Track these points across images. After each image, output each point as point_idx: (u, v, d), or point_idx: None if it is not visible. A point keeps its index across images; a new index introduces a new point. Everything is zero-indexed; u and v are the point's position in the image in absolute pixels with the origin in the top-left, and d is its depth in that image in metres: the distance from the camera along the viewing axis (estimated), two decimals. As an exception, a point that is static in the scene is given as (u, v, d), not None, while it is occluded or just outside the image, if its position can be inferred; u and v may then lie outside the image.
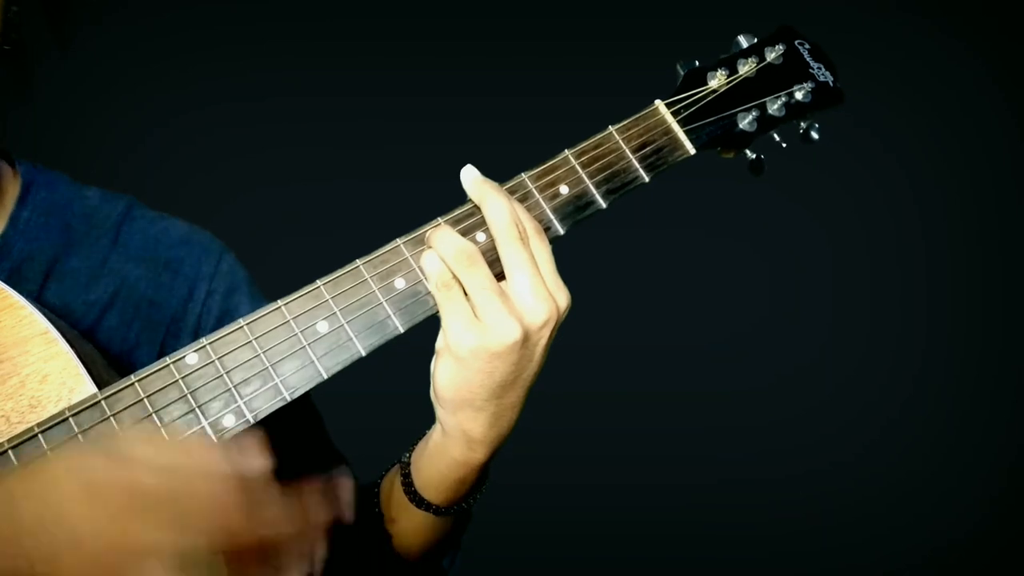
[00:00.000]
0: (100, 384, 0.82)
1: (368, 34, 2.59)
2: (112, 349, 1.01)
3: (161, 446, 0.64)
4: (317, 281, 0.89)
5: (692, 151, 1.03)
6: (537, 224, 0.93)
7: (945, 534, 2.55)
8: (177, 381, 0.83)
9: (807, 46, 1.12)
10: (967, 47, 2.62)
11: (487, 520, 1.16)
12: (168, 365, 0.83)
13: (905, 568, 2.57)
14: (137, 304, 1.06)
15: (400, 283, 0.90)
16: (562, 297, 0.91)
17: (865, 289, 2.68)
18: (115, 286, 1.05)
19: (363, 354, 0.88)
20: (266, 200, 2.43)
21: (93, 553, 0.56)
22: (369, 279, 0.90)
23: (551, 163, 0.98)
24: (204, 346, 0.85)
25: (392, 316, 0.89)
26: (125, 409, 0.80)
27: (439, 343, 0.91)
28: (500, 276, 0.90)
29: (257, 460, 0.63)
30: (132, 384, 0.82)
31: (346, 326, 0.88)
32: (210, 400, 0.83)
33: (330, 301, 0.88)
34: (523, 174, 0.97)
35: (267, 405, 0.85)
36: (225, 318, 1.08)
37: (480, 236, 0.93)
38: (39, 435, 0.77)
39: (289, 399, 0.85)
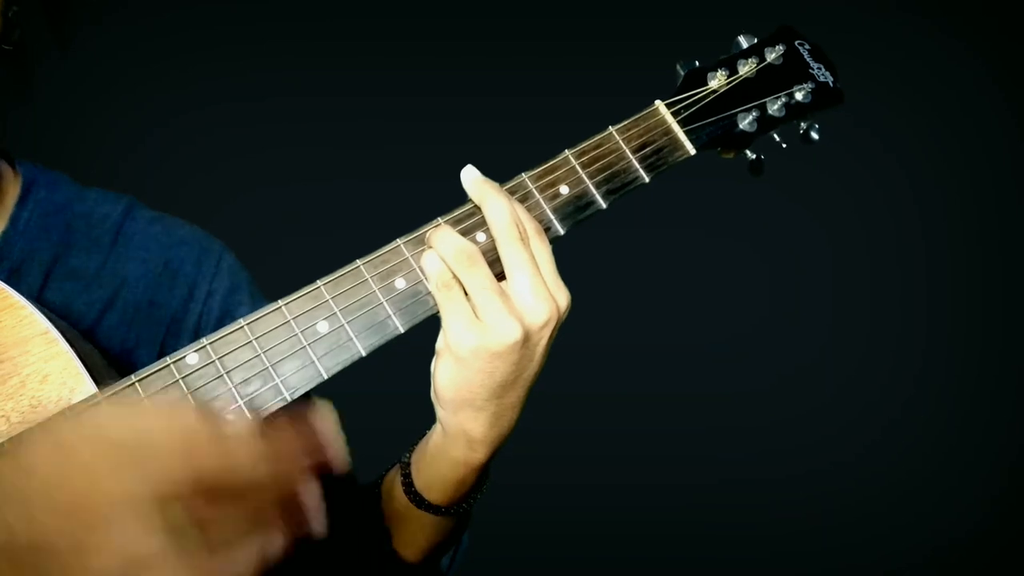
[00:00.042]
0: (100, 384, 0.82)
1: (368, 34, 2.59)
2: (112, 349, 1.01)
3: (131, 403, 0.63)
4: (317, 281, 0.89)
5: (692, 151, 1.04)
6: (537, 224, 0.93)
7: (945, 534, 2.55)
8: (177, 381, 0.83)
9: (807, 46, 1.12)
10: (967, 47, 2.62)
11: (487, 520, 1.16)
12: (168, 365, 0.83)
13: (905, 568, 2.57)
14: (137, 304, 1.06)
15: (400, 283, 0.90)
16: (562, 297, 0.91)
17: (865, 289, 2.68)
18: (115, 286, 1.05)
19: (363, 354, 0.88)
20: (266, 200, 2.43)
21: (67, 508, 0.56)
22: (369, 279, 0.90)
23: (551, 163, 0.98)
24: (204, 346, 0.85)
25: (392, 316, 0.89)
26: (125, 409, 0.80)
27: (439, 343, 0.91)
28: (500, 276, 0.90)
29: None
30: (132, 384, 0.82)
31: (346, 326, 0.88)
32: (210, 400, 0.83)
33: (330, 301, 0.88)
34: (523, 174, 0.97)
35: (267, 405, 0.85)
36: (225, 318, 1.08)
37: (480, 236, 0.93)
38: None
39: (289, 399, 0.85)
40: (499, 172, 0.96)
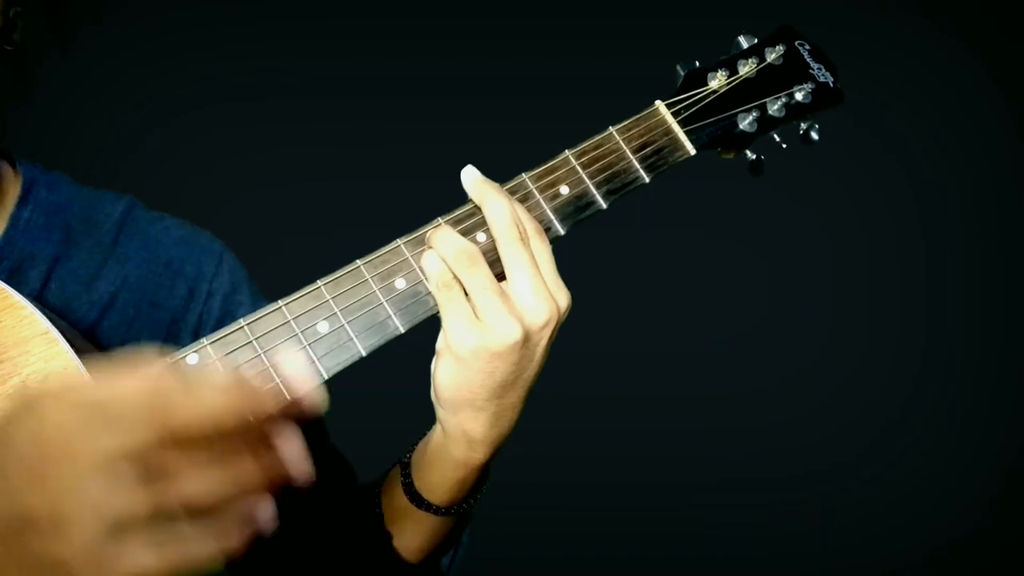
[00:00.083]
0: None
1: (368, 34, 2.59)
2: (113, 349, 1.01)
3: (102, 366, 0.62)
4: (318, 281, 0.89)
5: (692, 151, 1.04)
6: (538, 224, 0.93)
7: (945, 534, 2.55)
8: (178, 381, 0.83)
9: (807, 47, 1.12)
10: (967, 47, 2.61)
11: (487, 520, 1.16)
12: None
13: (905, 568, 2.57)
14: (138, 304, 1.06)
15: (401, 283, 0.90)
16: (563, 297, 0.91)
17: (865, 289, 2.68)
18: (116, 286, 1.05)
19: (363, 354, 0.88)
20: (266, 200, 2.43)
21: (41, 476, 0.56)
22: (370, 279, 0.90)
23: (551, 163, 0.98)
24: (204, 346, 0.85)
25: (393, 316, 0.89)
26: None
27: (439, 343, 0.91)
28: (501, 276, 0.90)
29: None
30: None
31: (347, 326, 0.88)
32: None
33: (331, 301, 0.88)
34: (523, 174, 0.97)
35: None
36: (226, 318, 1.08)
37: (480, 236, 0.93)
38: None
39: (290, 399, 0.85)
40: (499, 172, 0.96)
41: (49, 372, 0.79)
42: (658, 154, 1.02)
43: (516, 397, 0.92)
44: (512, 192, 0.95)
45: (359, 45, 2.57)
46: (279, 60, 2.48)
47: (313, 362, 0.86)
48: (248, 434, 0.59)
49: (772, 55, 1.09)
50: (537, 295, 0.88)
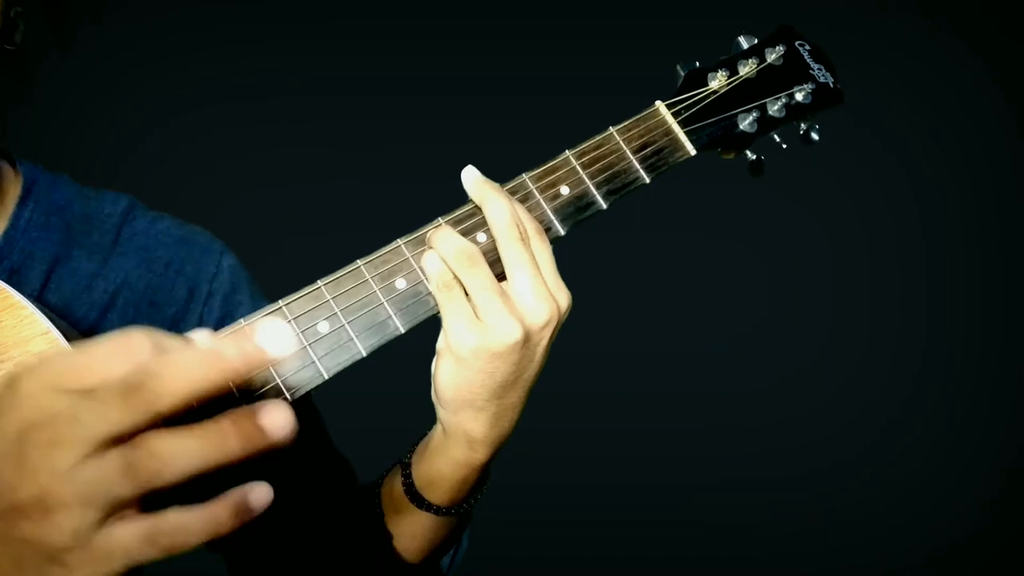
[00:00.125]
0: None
1: (368, 34, 2.59)
2: (113, 349, 1.00)
3: (82, 345, 0.61)
4: (318, 281, 0.89)
5: (692, 152, 1.04)
6: (538, 225, 0.93)
7: (945, 534, 2.55)
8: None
9: (807, 47, 1.12)
10: (967, 47, 2.62)
11: (487, 520, 1.16)
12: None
13: (905, 568, 2.58)
14: (138, 304, 1.06)
15: (401, 283, 0.90)
16: (563, 297, 0.91)
17: (865, 289, 2.68)
18: (116, 286, 1.05)
19: (364, 354, 0.88)
20: (266, 200, 2.43)
21: (24, 450, 0.55)
22: (370, 279, 0.89)
23: (552, 164, 0.98)
24: (205, 346, 0.84)
25: (393, 316, 0.89)
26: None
27: (440, 343, 0.91)
28: (501, 276, 0.90)
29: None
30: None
31: (347, 326, 0.88)
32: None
33: (331, 301, 0.88)
34: (524, 175, 0.97)
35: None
36: (226, 319, 1.08)
37: (481, 236, 0.93)
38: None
39: (290, 399, 0.85)
40: (499, 172, 0.96)
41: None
42: (658, 154, 1.02)
43: (516, 397, 0.92)
44: (512, 192, 0.95)
45: (359, 45, 2.57)
46: (279, 60, 2.48)
47: (313, 362, 0.86)
48: (230, 405, 0.58)
49: (772, 55, 1.09)
50: (537, 295, 0.88)
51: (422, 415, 0.99)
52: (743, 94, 1.07)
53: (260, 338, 0.57)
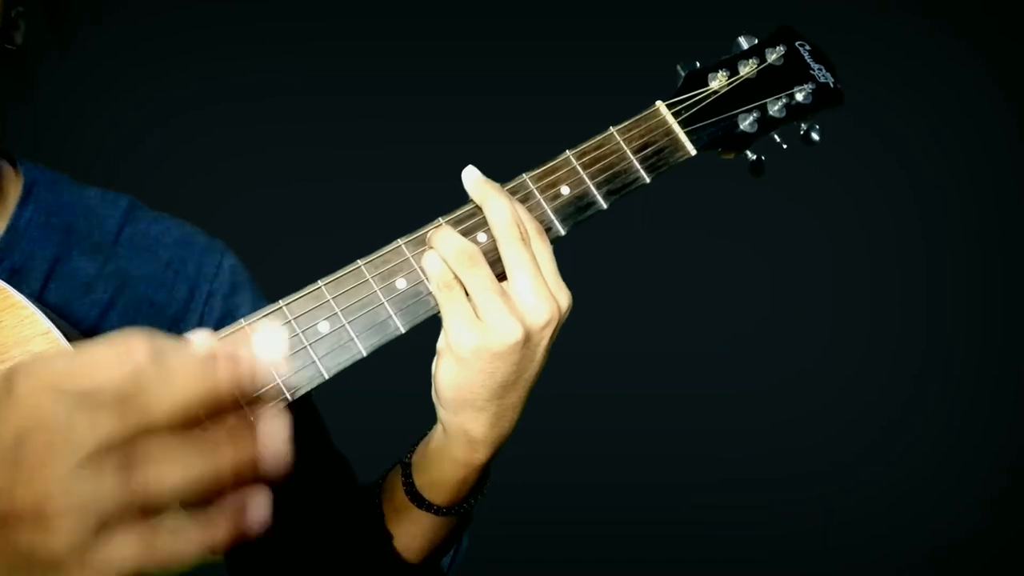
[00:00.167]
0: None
1: (368, 34, 2.59)
2: (113, 349, 1.00)
3: (82, 348, 0.61)
4: (318, 281, 0.89)
5: (693, 152, 1.04)
6: (538, 224, 0.93)
7: (945, 534, 2.55)
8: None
9: (807, 47, 1.12)
10: (967, 47, 2.62)
11: (487, 520, 1.16)
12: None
13: (905, 568, 2.58)
14: (138, 304, 1.06)
15: (401, 283, 0.90)
16: (563, 297, 0.91)
17: (865, 289, 2.68)
18: (116, 286, 1.05)
19: (364, 354, 0.88)
20: (266, 200, 2.43)
21: (20, 456, 0.55)
22: (370, 279, 0.90)
23: (552, 164, 0.98)
24: (205, 347, 0.84)
25: (393, 316, 0.89)
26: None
27: (440, 343, 0.91)
28: (501, 276, 0.90)
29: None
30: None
31: (347, 326, 0.88)
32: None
33: (331, 301, 0.88)
34: (524, 175, 0.97)
35: (267, 405, 0.85)
36: (226, 319, 1.08)
37: (481, 236, 0.93)
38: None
39: (290, 399, 0.85)
40: (499, 172, 0.96)
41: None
42: (659, 154, 1.02)
43: (517, 397, 0.92)
44: (513, 192, 0.95)
45: (359, 45, 2.57)
46: (279, 60, 2.48)
47: (314, 362, 0.86)
48: (231, 414, 0.58)
49: (772, 55, 1.09)
50: (538, 295, 0.88)
51: (422, 415, 0.99)
52: (743, 94, 1.07)
53: (257, 345, 0.57)
